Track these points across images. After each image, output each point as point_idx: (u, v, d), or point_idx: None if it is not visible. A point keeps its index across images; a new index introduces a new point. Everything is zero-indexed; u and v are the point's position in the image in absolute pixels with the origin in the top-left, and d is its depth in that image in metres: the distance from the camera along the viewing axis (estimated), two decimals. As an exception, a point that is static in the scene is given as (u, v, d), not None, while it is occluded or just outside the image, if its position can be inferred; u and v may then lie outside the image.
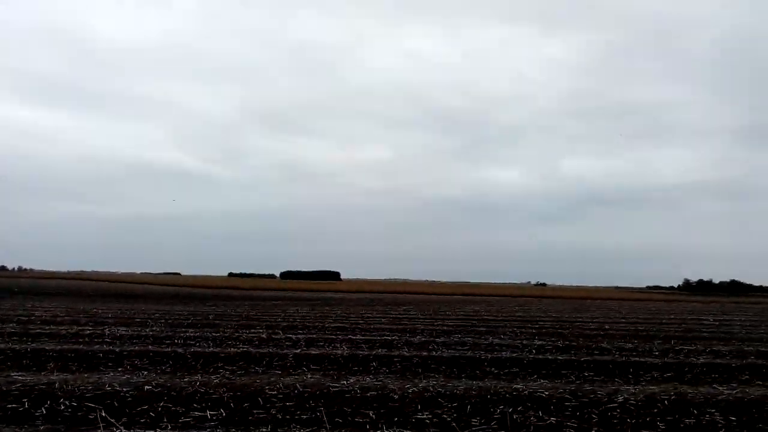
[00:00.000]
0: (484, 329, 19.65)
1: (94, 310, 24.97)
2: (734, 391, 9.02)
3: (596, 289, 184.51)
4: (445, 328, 19.87)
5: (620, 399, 8.27)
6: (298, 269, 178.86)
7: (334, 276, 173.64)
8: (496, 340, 15.87)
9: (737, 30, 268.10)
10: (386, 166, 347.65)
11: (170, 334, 15.22)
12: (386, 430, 6.41)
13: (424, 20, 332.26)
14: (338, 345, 13.65)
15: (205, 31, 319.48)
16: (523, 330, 19.83)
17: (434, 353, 12.65)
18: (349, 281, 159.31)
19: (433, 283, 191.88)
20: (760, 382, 10.05)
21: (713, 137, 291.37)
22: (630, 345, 15.56)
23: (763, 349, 15.36)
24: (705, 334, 20.04)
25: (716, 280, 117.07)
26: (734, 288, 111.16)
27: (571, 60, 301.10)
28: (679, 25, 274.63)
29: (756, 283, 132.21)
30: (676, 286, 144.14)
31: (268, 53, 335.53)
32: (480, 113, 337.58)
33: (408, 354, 12.33)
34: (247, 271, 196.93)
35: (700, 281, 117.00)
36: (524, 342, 15.53)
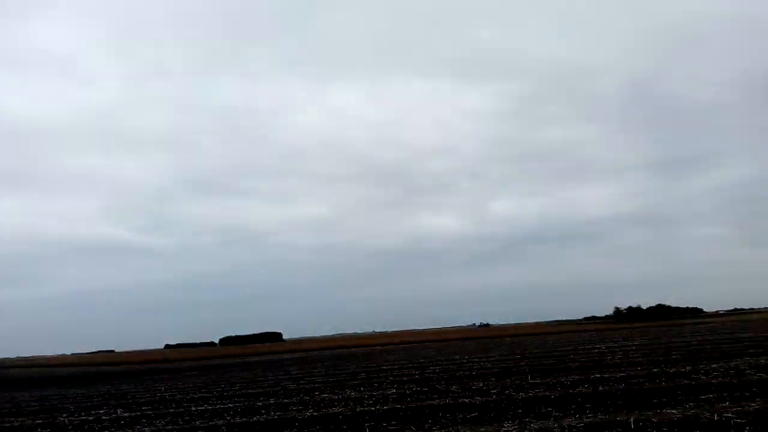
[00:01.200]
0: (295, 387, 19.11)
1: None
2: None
3: (536, 324, 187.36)
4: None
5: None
6: (239, 334, 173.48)
7: (276, 337, 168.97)
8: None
9: (635, 72, 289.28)
10: (323, 222, 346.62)
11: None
12: None
13: (347, 78, 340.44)
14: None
15: (127, 101, 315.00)
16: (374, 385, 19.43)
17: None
18: (291, 341, 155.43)
19: (378, 334, 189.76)
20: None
21: (626, 171, 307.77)
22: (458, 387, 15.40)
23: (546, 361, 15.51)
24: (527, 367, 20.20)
25: (644, 306, 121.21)
26: (660, 312, 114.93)
27: (489, 109, 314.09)
28: (582, 71, 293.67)
29: (683, 305, 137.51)
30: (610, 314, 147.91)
31: (195, 120, 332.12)
32: (410, 164, 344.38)
33: None
34: (187, 341, 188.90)
35: (630, 308, 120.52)
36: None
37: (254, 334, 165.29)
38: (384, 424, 10.10)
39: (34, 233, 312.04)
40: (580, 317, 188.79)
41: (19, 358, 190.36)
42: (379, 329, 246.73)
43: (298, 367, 32.84)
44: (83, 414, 15.46)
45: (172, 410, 14.56)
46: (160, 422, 12.48)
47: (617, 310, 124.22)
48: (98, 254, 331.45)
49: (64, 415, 15.45)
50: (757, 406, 9.21)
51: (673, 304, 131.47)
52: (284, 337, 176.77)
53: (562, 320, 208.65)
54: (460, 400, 12.38)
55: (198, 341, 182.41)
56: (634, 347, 27.19)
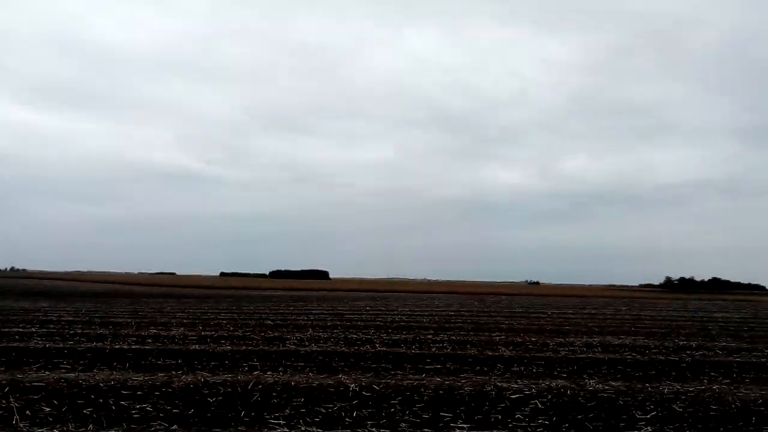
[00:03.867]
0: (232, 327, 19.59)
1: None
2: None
3: (587, 287, 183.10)
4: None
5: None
6: (289, 269, 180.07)
7: (322, 275, 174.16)
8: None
9: (735, 30, 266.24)
10: (388, 166, 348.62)
11: None
12: None
13: (424, 23, 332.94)
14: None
15: (208, 32, 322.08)
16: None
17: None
18: (336, 280, 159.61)
19: (426, 282, 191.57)
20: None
21: (712, 136, 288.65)
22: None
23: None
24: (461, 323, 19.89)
25: (698, 278, 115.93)
26: (714, 285, 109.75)
27: (571, 60, 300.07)
28: (678, 25, 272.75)
29: (744, 281, 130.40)
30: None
31: (271, 55, 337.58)
32: (481, 113, 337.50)
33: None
34: (241, 271, 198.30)
35: (682, 279, 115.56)
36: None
37: (302, 270, 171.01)
38: (196, 363, 10.45)
39: (113, 156, 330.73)
40: (636, 283, 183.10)
41: (88, 273, 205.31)
42: (430, 277, 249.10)
43: (269, 304, 33.89)
44: None
45: (53, 330, 15.54)
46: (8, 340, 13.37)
47: (668, 280, 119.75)
48: (171, 181, 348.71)
49: None
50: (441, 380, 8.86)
51: (733, 279, 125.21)
52: (332, 275, 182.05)
53: (616, 285, 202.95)
54: (303, 350, 12.55)
55: (250, 272, 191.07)
56: (598, 317, 26.36)
